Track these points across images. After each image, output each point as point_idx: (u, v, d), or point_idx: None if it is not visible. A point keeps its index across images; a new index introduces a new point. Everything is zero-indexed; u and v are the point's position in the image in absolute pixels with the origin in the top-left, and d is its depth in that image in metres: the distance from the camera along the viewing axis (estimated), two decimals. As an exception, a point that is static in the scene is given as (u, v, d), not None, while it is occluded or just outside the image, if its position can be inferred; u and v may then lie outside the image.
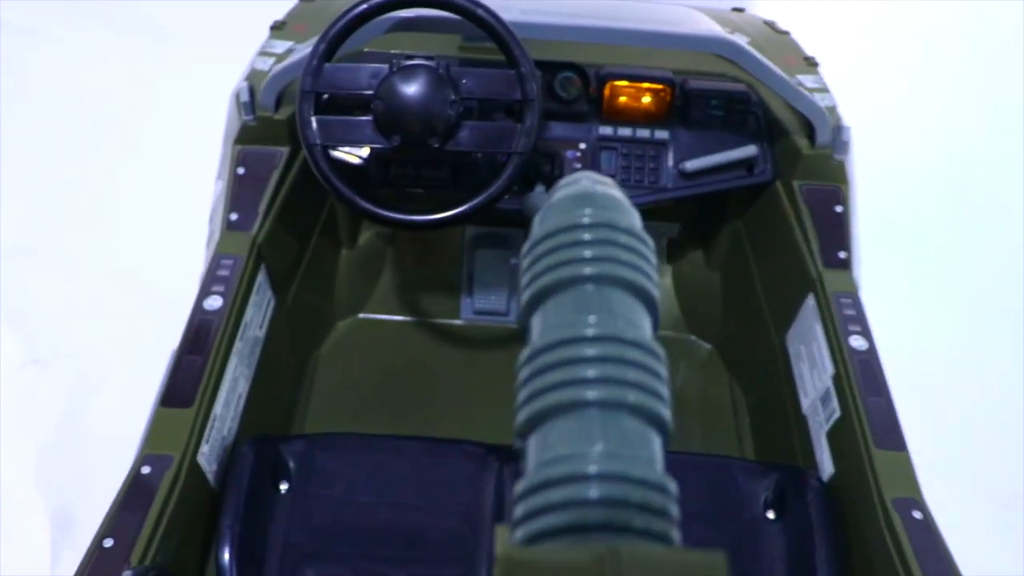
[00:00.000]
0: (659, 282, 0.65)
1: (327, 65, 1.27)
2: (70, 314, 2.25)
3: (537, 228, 0.66)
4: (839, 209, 1.52)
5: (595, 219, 0.63)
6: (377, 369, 1.87)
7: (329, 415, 1.77)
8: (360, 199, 1.30)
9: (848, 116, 1.59)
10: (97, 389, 2.11)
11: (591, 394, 0.53)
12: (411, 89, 1.24)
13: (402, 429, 1.73)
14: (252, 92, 1.50)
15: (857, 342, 1.34)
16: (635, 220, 0.68)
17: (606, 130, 1.58)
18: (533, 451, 0.54)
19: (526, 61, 1.25)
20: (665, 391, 0.57)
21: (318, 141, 1.28)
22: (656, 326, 0.63)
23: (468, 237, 1.96)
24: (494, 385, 1.83)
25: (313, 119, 1.28)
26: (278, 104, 1.52)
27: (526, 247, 0.66)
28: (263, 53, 1.63)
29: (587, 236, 0.62)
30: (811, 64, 1.75)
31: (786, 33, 1.88)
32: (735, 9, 2.00)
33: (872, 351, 1.34)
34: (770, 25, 1.91)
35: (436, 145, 1.25)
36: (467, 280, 1.94)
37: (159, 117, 2.86)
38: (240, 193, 1.50)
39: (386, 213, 1.30)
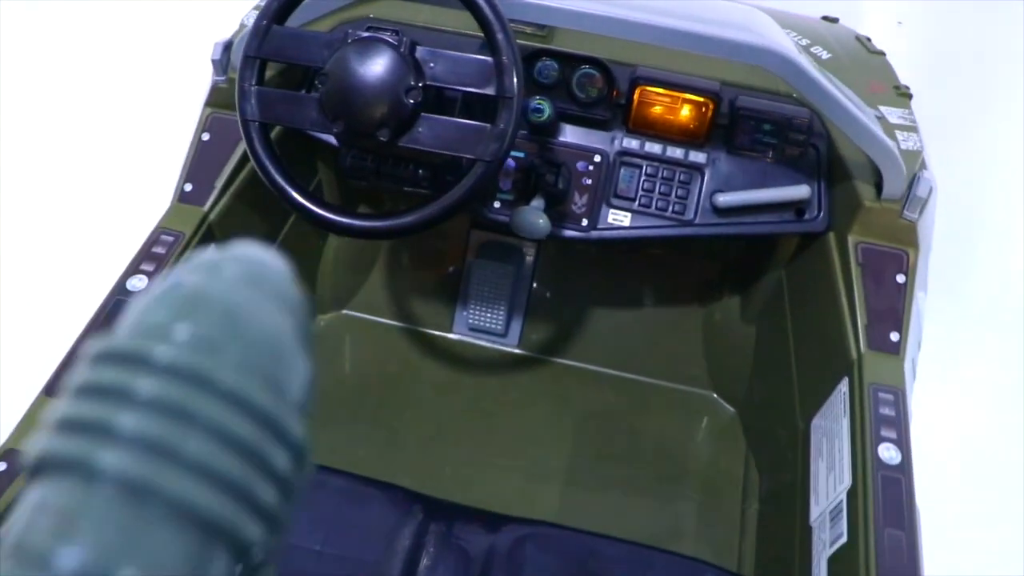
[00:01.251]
0: (284, 515, 0.36)
1: (277, 28, 1.07)
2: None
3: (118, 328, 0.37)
4: (901, 279, 1.22)
5: (179, 360, 0.33)
6: (350, 373, 1.68)
7: None
8: (292, 189, 1.09)
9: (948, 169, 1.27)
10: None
11: None
12: (362, 67, 1.02)
13: (360, 446, 1.56)
14: (227, 49, 1.32)
15: (888, 452, 1.06)
16: (286, 377, 0.37)
17: (631, 142, 1.32)
18: None
19: (509, 49, 1.01)
20: None
21: (256, 117, 1.09)
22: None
23: (472, 244, 1.74)
24: (474, 414, 1.61)
25: (254, 90, 1.08)
26: None
27: (91, 352, 0.36)
28: (257, 7, 1.45)
29: (146, 390, 0.33)
30: (902, 94, 1.43)
31: (880, 54, 1.56)
32: (826, 18, 1.69)
33: (905, 468, 1.05)
34: (862, 42, 1.59)
35: (384, 139, 1.03)
36: (463, 292, 1.72)
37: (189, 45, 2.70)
38: (201, 162, 1.33)
39: (318, 211, 1.09)
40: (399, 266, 1.79)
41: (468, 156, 1.04)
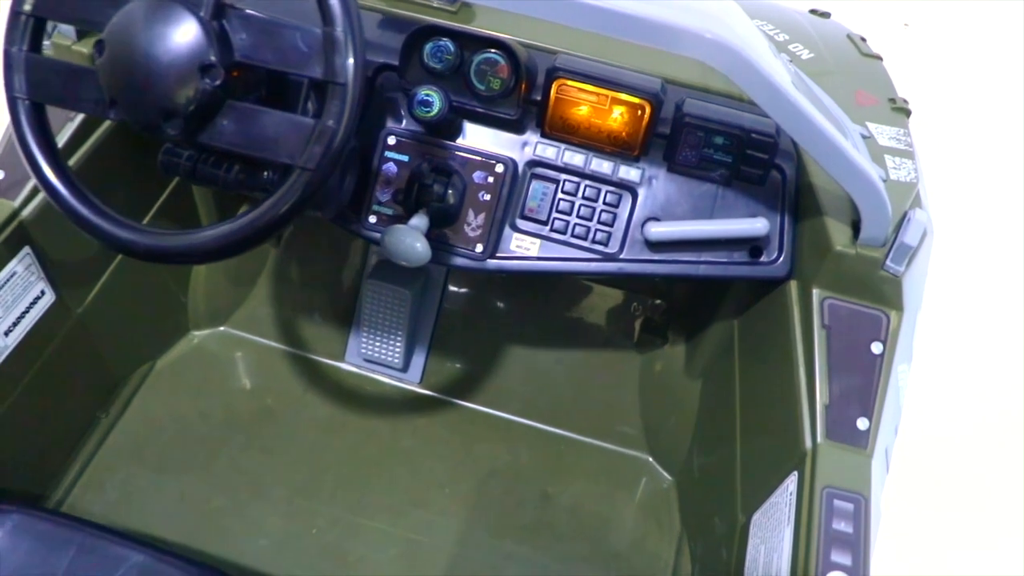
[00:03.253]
0: None
1: None
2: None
3: None
4: (877, 349, 0.94)
5: None
6: (219, 403, 1.40)
7: (131, 452, 1.32)
8: (67, 191, 0.83)
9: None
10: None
11: None
12: (145, 35, 0.75)
13: (216, 495, 1.29)
14: None
15: None
16: None
17: (546, 150, 1.04)
18: None
19: (345, 18, 0.74)
20: None
21: (24, 93, 0.83)
22: None
23: (371, 258, 1.46)
24: (357, 462, 1.35)
25: (23, 57, 0.83)
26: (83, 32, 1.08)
27: None
28: None
29: None
30: (899, 109, 1.15)
31: (876, 58, 1.28)
32: (816, 12, 1.40)
33: None
34: (855, 42, 1.31)
35: (174, 132, 0.78)
36: (357, 316, 1.44)
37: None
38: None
39: (92, 219, 0.83)
40: (288, 279, 1.51)
41: (284, 161, 0.77)
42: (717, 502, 1.15)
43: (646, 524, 1.32)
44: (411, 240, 0.97)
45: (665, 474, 1.37)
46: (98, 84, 0.80)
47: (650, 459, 1.39)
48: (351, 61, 0.74)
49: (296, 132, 0.77)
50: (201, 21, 0.75)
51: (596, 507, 1.33)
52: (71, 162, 1.09)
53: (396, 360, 1.41)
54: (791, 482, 0.92)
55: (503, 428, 1.41)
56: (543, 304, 1.48)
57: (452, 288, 1.47)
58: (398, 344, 1.40)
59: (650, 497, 1.35)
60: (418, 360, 1.44)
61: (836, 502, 0.86)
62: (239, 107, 0.78)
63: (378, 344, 1.41)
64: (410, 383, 1.45)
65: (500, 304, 1.49)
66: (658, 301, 1.44)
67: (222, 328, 1.49)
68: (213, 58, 0.76)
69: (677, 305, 1.42)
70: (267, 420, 1.39)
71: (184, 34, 0.75)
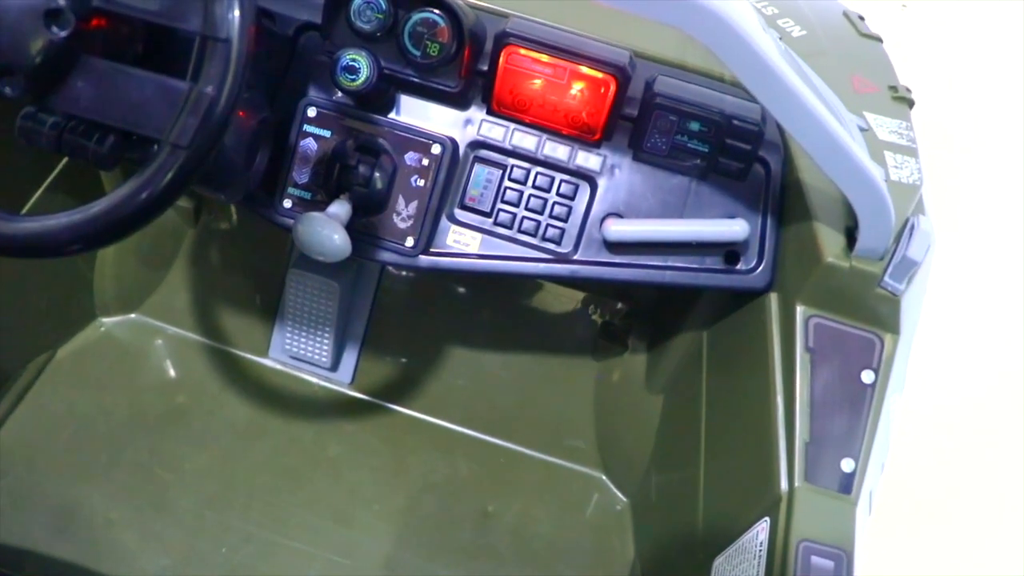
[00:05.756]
0: None
1: None
2: None
3: None
4: (868, 378, 0.81)
5: None
6: (128, 398, 1.25)
7: (21, 455, 1.16)
8: None
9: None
10: None
11: None
12: None
13: (114, 505, 1.14)
14: None
15: None
16: None
17: (492, 130, 0.90)
18: None
19: None
20: None
21: None
22: None
23: (297, 250, 1.31)
24: (276, 471, 1.21)
25: None
26: None
27: None
28: None
29: None
30: (900, 99, 1.02)
31: (876, 39, 1.14)
32: (808, -14, 1.26)
33: None
34: (852, 20, 1.17)
35: (12, 94, 0.64)
36: (282, 308, 1.29)
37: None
38: None
39: None
40: (208, 263, 1.35)
41: (149, 135, 0.62)
42: (675, 534, 1.02)
43: (597, 549, 1.19)
44: (328, 231, 0.82)
45: (619, 495, 1.25)
46: None
47: (603, 477, 1.26)
48: (236, 13, 0.60)
49: (166, 99, 0.62)
50: None
51: (542, 528, 1.20)
52: None
53: (324, 358, 1.26)
54: (761, 529, 0.80)
55: (441, 438, 1.27)
56: (490, 301, 1.34)
57: (388, 280, 1.32)
58: (326, 340, 1.25)
59: (602, 519, 1.22)
60: (349, 359, 1.30)
61: (814, 559, 0.75)
62: (97, 65, 0.64)
63: (305, 340, 1.26)
64: (340, 384, 1.30)
65: (442, 300, 1.35)
66: (620, 304, 1.31)
67: (133, 315, 1.32)
68: (62, 1, 0.61)
69: (641, 309, 1.29)
70: (178, 421, 1.23)
71: None
